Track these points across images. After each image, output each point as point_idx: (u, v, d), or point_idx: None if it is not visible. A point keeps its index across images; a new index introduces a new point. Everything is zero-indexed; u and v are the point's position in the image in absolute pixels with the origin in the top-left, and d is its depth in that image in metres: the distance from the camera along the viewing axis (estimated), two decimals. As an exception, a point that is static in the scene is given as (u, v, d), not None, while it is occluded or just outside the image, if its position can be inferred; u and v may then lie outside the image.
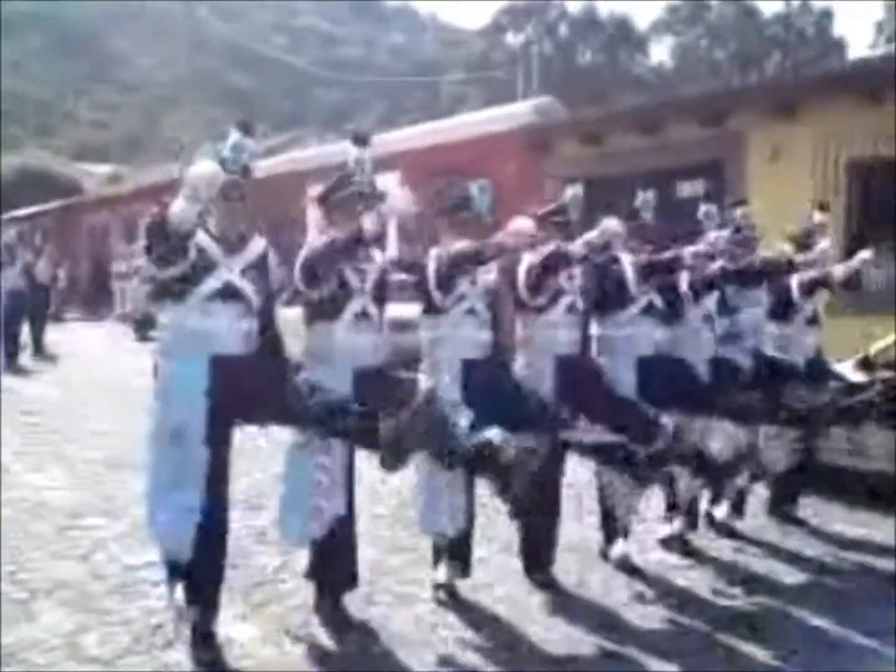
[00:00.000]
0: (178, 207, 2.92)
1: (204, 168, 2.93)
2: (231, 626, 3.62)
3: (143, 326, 17.19)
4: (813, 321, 5.39)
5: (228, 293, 3.31)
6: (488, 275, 4.05)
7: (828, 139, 9.00)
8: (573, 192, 4.28)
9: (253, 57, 42.84)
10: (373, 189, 3.57)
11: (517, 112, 12.37)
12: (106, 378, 11.44)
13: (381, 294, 3.77)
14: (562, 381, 4.17)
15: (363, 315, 3.65)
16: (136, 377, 11.30)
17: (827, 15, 40.59)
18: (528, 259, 4.06)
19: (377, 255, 3.78)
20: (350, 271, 3.62)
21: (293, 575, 4.19)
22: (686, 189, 9.99)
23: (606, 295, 4.48)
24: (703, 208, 4.94)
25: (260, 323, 3.45)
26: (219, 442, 3.28)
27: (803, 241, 5.19)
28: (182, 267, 3.11)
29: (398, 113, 38.26)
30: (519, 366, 4.27)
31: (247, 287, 3.35)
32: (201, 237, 3.24)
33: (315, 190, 3.98)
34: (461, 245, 3.84)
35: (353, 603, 3.88)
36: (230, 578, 3.58)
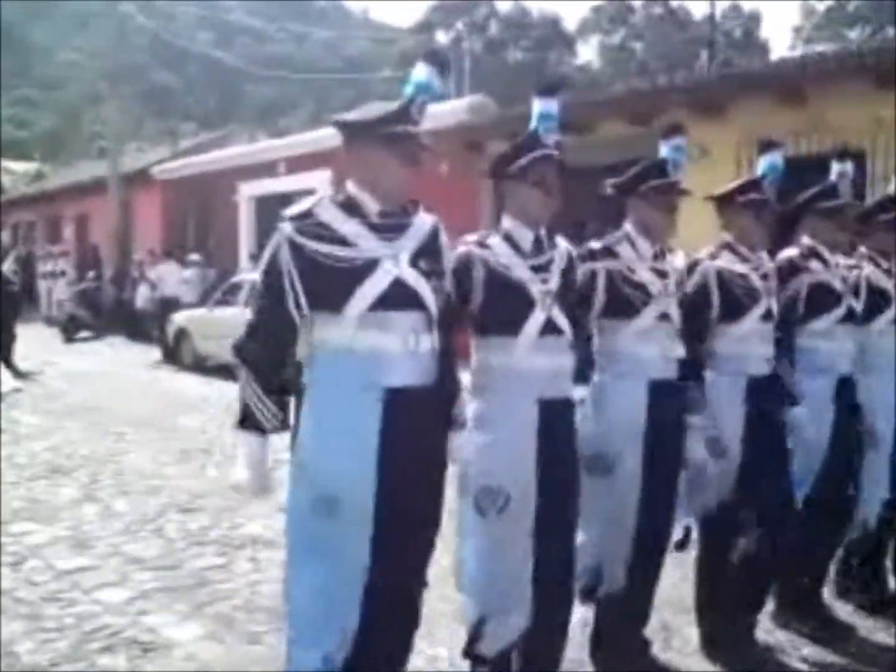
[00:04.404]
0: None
1: None
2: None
3: (71, 328, 16.88)
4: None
5: (398, 296, 2.28)
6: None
7: (751, 137, 9.24)
8: (771, 158, 3.49)
9: (179, 53, 42.01)
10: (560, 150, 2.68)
11: (451, 110, 12.40)
12: (36, 380, 11.12)
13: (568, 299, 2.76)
14: (753, 409, 3.25)
15: (551, 329, 2.63)
16: (66, 380, 11.05)
17: (754, 18, 41.62)
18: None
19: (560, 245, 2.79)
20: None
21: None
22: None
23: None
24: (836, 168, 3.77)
25: (441, 342, 2.40)
26: (390, 512, 2.29)
27: None
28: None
29: (328, 111, 38.01)
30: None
31: (423, 285, 2.33)
32: (333, 214, 2.30)
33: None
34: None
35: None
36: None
